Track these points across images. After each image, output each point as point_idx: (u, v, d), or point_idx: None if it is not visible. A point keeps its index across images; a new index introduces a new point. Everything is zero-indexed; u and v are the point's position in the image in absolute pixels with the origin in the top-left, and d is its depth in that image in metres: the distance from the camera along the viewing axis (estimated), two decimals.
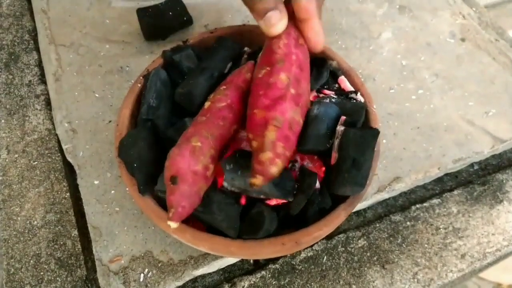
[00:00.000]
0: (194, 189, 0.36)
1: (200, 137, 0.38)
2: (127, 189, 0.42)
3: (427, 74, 0.64)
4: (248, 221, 0.40)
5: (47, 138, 0.57)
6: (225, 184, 0.39)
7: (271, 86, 0.39)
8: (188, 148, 0.37)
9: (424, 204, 0.56)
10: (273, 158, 0.35)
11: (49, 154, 0.55)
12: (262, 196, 0.40)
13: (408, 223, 0.54)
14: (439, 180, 0.59)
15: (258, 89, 0.39)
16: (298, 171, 0.42)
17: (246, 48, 0.52)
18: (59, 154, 0.55)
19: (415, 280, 0.50)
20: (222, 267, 0.49)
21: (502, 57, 0.66)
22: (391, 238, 0.53)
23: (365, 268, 0.51)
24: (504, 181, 0.59)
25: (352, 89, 0.50)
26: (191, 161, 0.37)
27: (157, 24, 0.62)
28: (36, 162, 0.55)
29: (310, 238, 0.40)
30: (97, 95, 0.58)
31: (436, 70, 0.65)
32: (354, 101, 0.48)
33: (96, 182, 0.51)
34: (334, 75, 0.53)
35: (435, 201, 0.56)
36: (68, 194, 0.53)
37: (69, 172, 0.55)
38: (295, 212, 0.41)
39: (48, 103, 0.59)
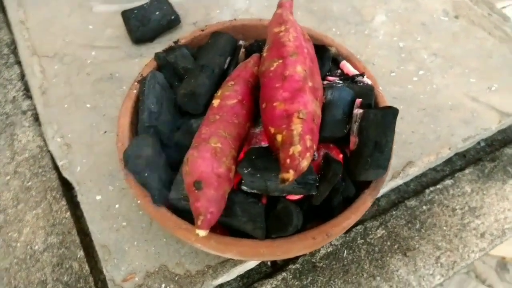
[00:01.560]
0: (220, 192, 0.34)
1: (219, 138, 0.36)
2: (138, 201, 0.40)
3: (426, 54, 0.63)
4: (274, 219, 0.38)
5: (40, 156, 0.53)
6: (244, 188, 0.37)
7: (288, 79, 0.37)
8: (208, 150, 0.35)
9: (438, 186, 0.55)
10: (303, 152, 0.33)
11: (43, 173, 0.52)
12: (284, 194, 0.38)
13: (424, 207, 0.53)
14: (448, 160, 0.58)
15: (273, 82, 0.37)
16: (322, 160, 0.40)
17: (241, 42, 0.50)
18: (54, 172, 0.52)
19: (439, 264, 0.49)
20: (241, 273, 0.47)
21: (497, 31, 0.66)
22: (409, 225, 0.52)
23: (387, 258, 0.49)
24: None
25: (356, 72, 0.48)
26: (214, 163, 0.34)
27: (144, 25, 0.59)
28: (30, 183, 0.51)
29: (340, 228, 0.38)
30: (88, 105, 0.55)
31: (434, 49, 0.63)
32: (361, 84, 0.46)
33: (98, 197, 0.48)
34: (335, 61, 0.51)
35: (448, 182, 0.55)
36: (68, 213, 0.50)
37: (67, 189, 0.52)
38: (318, 202, 0.39)
39: (36, 119, 0.56)
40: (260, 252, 0.37)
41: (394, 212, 0.53)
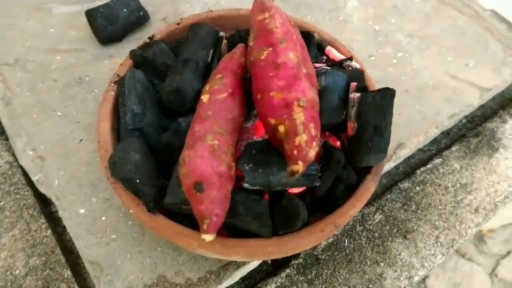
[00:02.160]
0: (223, 192, 0.32)
1: (215, 135, 0.34)
2: (130, 211, 0.36)
3: (401, 36, 0.63)
4: (280, 215, 0.36)
5: (10, 173, 0.49)
6: (246, 185, 0.35)
7: (282, 67, 0.35)
8: (205, 149, 0.33)
9: (428, 166, 0.55)
10: (309, 141, 0.31)
11: (16, 191, 0.48)
12: (287, 188, 0.36)
13: (417, 188, 0.53)
14: (433, 140, 0.59)
15: (266, 71, 0.35)
16: (321, 149, 0.38)
17: (222, 33, 0.47)
18: (28, 188, 0.48)
19: (438, 243, 0.49)
20: (243, 275, 0.45)
21: (467, 9, 0.67)
22: (405, 207, 0.51)
23: (388, 242, 0.49)
24: (495, 129, 0.59)
25: (342, 57, 0.47)
26: (213, 162, 0.32)
27: (112, 24, 0.55)
28: (2, 202, 0.47)
29: (347, 217, 0.37)
30: (59, 113, 0.51)
31: (409, 31, 0.64)
32: (350, 68, 0.45)
33: (81, 211, 0.45)
34: (319, 47, 0.50)
35: (437, 161, 0.55)
36: (49, 231, 0.45)
37: (44, 205, 0.48)
38: (322, 193, 0.38)
39: (2, 132, 0.51)
40: (269, 251, 0.35)
41: (388, 196, 0.52)
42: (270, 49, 0.37)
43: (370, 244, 0.48)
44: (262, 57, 0.37)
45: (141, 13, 0.58)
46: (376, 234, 0.49)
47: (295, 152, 0.31)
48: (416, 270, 0.47)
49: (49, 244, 0.45)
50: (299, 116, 0.32)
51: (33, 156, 0.48)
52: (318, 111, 0.35)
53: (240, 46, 0.42)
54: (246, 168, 0.35)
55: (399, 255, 0.48)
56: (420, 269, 0.47)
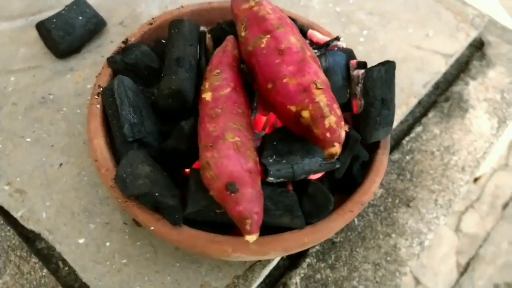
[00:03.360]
0: (257, 189, 0.30)
1: (233, 131, 0.32)
2: (151, 228, 0.33)
3: (363, 14, 0.64)
4: (308, 203, 0.35)
5: None
6: (270, 179, 0.34)
7: (286, 52, 0.34)
8: (229, 147, 0.31)
9: (411, 135, 0.57)
10: (338, 121, 0.30)
11: None
12: (310, 176, 0.35)
13: (407, 157, 0.55)
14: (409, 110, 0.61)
15: (270, 59, 0.34)
16: None
17: (203, 28, 0.45)
18: (9, 228, 0.42)
19: (438, 206, 0.51)
20: (267, 273, 0.43)
21: None
22: (400, 177, 0.53)
23: (394, 214, 0.50)
24: (461, 92, 0.62)
25: (327, 39, 0.47)
26: (240, 159, 0.30)
27: (69, 34, 0.50)
28: None
29: (370, 194, 0.37)
30: (28, 139, 0.46)
31: (368, 8, 0.65)
32: (337, 48, 0.45)
33: (81, 241, 0.40)
34: (300, 32, 0.49)
35: (418, 129, 0.58)
36: (45, 270, 0.41)
37: (31, 242, 0.42)
38: (341, 174, 0.37)
39: None
40: (305, 241, 0.34)
41: None
42: (268, 36, 0.36)
43: (378, 218, 0.49)
44: (262, 45, 0.36)
45: (98, 20, 0.53)
46: (382, 208, 0.50)
47: (328, 134, 0.30)
48: (424, 235, 0.49)
49: (49, 285, 0.40)
50: (321, 98, 0.31)
51: (10, 191, 0.42)
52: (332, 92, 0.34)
53: (230, 38, 0.40)
54: (270, 160, 0.33)
55: (406, 223, 0.49)
56: (428, 233, 0.49)
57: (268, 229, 0.35)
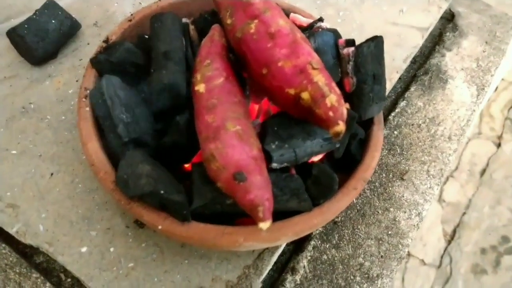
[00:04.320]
0: (265, 175, 0.30)
1: (233, 121, 0.31)
2: (159, 227, 0.33)
3: None
4: (313, 185, 0.35)
5: None
6: (274, 165, 0.33)
7: (277, 35, 0.33)
8: (232, 136, 0.30)
9: (397, 110, 0.58)
10: (339, 99, 0.30)
11: None
12: (313, 157, 0.36)
13: (395, 132, 0.56)
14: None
15: (262, 44, 0.34)
16: None
17: (185, 19, 0.44)
18: (4, 245, 0.40)
19: (430, 176, 0.52)
20: (275, 259, 0.43)
21: None
22: (391, 152, 0.54)
23: (390, 188, 0.51)
24: (438, 64, 0.64)
25: (310, 21, 0.47)
26: (245, 147, 0.30)
27: (43, 39, 0.48)
28: None
29: (371, 170, 0.37)
30: (13, 151, 0.44)
31: None
32: (321, 29, 0.45)
33: (83, 249, 0.39)
34: None
35: (402, 104, 0.59)
36: (47, 284, 0.39)
37: (29, 258, 0.41)
38: (341, 154, 0.38)
39: None
40: (315, 223, 0.34)
41: None
42: (256, 21, 0.36)
43: (375, 194, 0.50)
44: (252, 31, 0.35)
45: (72, 22, 0.51)
46: (377, 184, 0.51)
47: (330, 113, 0.30)
48: (421, 205, 0.50)
49: None
50: (319, 78, 0.31)
51: (2, 207, 0.41)
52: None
53: (216, 27, 0.40)
54: (273, 146, 0.33)
55: (403, 196, 0.50)
56: (424, 203, 0.50)
57: (277, 215, 0.35)
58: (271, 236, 0.33)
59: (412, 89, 0.60)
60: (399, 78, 0.63)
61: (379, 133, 0.40)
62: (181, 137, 0.35)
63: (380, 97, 0.39)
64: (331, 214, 0.35)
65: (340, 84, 0.41)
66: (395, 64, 0.57)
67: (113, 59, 0.39)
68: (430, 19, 0.63)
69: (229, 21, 0.38)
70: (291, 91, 0.32)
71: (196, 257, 0.40)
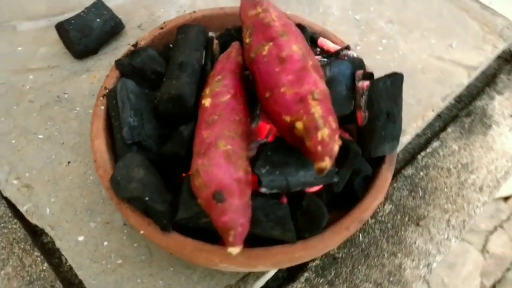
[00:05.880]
0: (245, 200, 0.29)
1: (226, 139, 0.31)
2: (141, 232, 0.34)
3: (383, 22, 0.62)
4: (302, 217, 0.34)
5: None
6: (263, 190, 0.33)
7: (287, 60, 0.33)
8: (220, 155, 0.30)
9: (428, 150, 0.55)
10: (332, 134, 0.29)
11: (2, 225, 0.43)
12: (308, 188, 0.35)
13: (421, 173, 0.52)
14: (428, 124, 0.58)
15: (271, 67, 0.33)
16: None
17: (211, 33, 0.45)
18: (16, 221, 0.44)
19: (450, 227, 0.48)
20: (262, 285, 0.42)
21: None
22: (412, 194, 0.51)
23: (402, 232, 0.48)
24: (484, 107, 0.59)
25: (337, 47, 0.45)
26: (230, 168, 0.30)
27: (86, 36, 0.51)
28: None
29: (370, 211, 0.35)
30: (40, 136, 0.47)
31: (389, 17, 0.63)
32: (347, 57, 0.44)
33: (80, 238, 0.41)
34: (311, 39, 0.48)
35: (435, 144, 0.55)
36: (45, 264, 0.42)
37: (36, 237, 0.44)
38: (340, 188, 0.36)
39: None
40: (296, 257, 0.33)
41: (395, 185, 0.51)
42: (271, 43, 0.35)
43: (385, 236, 0.47)
44: (264, 53, 0.35)
45: (116, 22, 0.54)
46: (389, 225, 0.48)
47: (319, 148, 0.29)
48: (433, 256, 0.46)
49: (48, 279, 0.41)
50: (317, 109, 0.30)
51: (19, 186, 0.44)
52: (331, 103, 0.33)
53: (235, 44, 0.40)
54: (263, 171, 0.33)
55: (414, 243, 0.47)
56: (437, 255, 0.47)
57: (260, 240, 0.35)
58: (247, 262, 0.33)
59: (449, 129, 0.57)
60: (439, 116, 0.59)
61: (387, 173, 0.38)
62: (181, 147, 0.36)
63: (393, 136, 0.37)
64: (316, 251, 0.34)
65: (354, 117, 0.39)
66: (432, 101, 0.54)
67: (134, 64, 0.41)
68: (481, 58, 0.59)
69: (247, 40, 0.38)
70: (287, 119, 0.31)
71: (182, 266, 0.40)
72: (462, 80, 0.57)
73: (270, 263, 0.33)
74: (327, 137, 0.29)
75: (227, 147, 0.31)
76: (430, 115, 0.54)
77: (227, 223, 0.29)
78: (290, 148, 0.34)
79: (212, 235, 0.34)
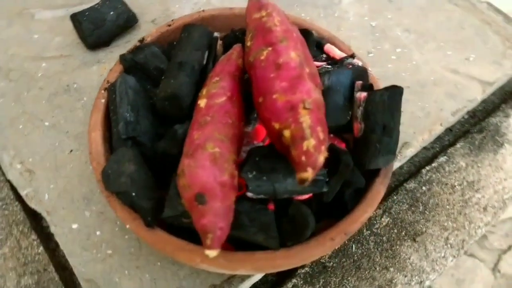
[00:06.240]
0: (227, 204, 0.29)
1: (215, 142, 0.31)
2: (127, 226, 0.34)
3: (399, 31, 0.61)
4: (287, 224, 0.34)
5: None
6: (249, 194, 0.33)
7: (283, 67, 0.33)
8: (206, 157, 0.30)
9: (433, 165, 0.53)
10: (318, 145, 0.29)
11: (4, 206, 0.45)
12: (293, 196, 0.34)
13: (423, 188, 0.51)
14: (436, 137, 0.57)
15: (267, 72, 0.33)
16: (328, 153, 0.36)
17: (216, 33, 0.45)
18: (17, 203, 0.45)
19: (448, 245, 0.47)
20: (248, 287, 0.43)
21: (462, 1, 0.65)
22: (412, 208, 0.50)
23: (397, 246, 0.47)
24: (498, 124, 0.57)
25: (343, 55, 0.45)
26: (215, 171, 0.30)
27: (99, 28, 0.52)
28: None
29: (358, 224, 0.35)
30: (47, 123, 0.49)
31: (406, 25, 0.62)
32: (352, 66, 0.43)
33: (74, 226, 0.42)
34: (318, 45, 0.48)
35: (442, 159, 0.54)
36: (41, 248, 0.43)
37: (35, 221, 0.45)
38: (329, 199, 0.36)
39: None
40: (277, 263, 0.33)
41: (395, 197, 0.50)
42: (270, 48, 0.35)
43: (379, 249, 0.46)
44: (262, 58, 0.35)
45: (129, 16, 0.55)
46: (384, 238, 0.47)
47: (303, 158, 0.29)
48: (427, 274, 0.45)
49: (42, 262, 0.42)
50: (306, 119, 0.30)
51: (21, 170, 0.45)
52: (324, 113, 0.33)
53: (237, 47, 0.40)
54: (250, 176, 0.33)
55: (409, 259, 0.46)
56: (431, 273, 0.45)
57: (243, 244, 0.35)
58: (228, 264, 0.33)
59: (458, 145, 0.55)
60: (450, 130, 0.58)
61: (380, 187, 0.37)
62: (174, 146, 0.36)
63: (389, 150, 0.36)
64: (298, 260, 0.34)
65: (351, 127, 0.39)
66: (441, 115, 0.53)
67: (137, 60, 0.41)
68: (499, 74, 0.57)
69: (248, 43, 0.38)
70: (276, 126, 0.31)
71: (169, 262, 0.41)
72: (476, 95, 0.55)
73: (251, 267, 0.33)
74: (312, 148, 0.29)
75: (214, 149, 0.31)
76: (438, 129, 0.52)
77: (206, 226, 0.29)
78: (280, 155, 0.34)
79: (197, 235, 0.35)
